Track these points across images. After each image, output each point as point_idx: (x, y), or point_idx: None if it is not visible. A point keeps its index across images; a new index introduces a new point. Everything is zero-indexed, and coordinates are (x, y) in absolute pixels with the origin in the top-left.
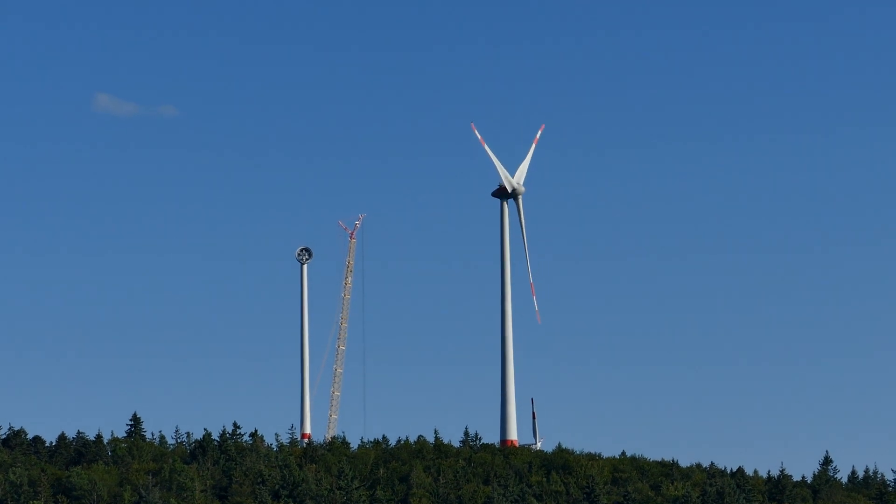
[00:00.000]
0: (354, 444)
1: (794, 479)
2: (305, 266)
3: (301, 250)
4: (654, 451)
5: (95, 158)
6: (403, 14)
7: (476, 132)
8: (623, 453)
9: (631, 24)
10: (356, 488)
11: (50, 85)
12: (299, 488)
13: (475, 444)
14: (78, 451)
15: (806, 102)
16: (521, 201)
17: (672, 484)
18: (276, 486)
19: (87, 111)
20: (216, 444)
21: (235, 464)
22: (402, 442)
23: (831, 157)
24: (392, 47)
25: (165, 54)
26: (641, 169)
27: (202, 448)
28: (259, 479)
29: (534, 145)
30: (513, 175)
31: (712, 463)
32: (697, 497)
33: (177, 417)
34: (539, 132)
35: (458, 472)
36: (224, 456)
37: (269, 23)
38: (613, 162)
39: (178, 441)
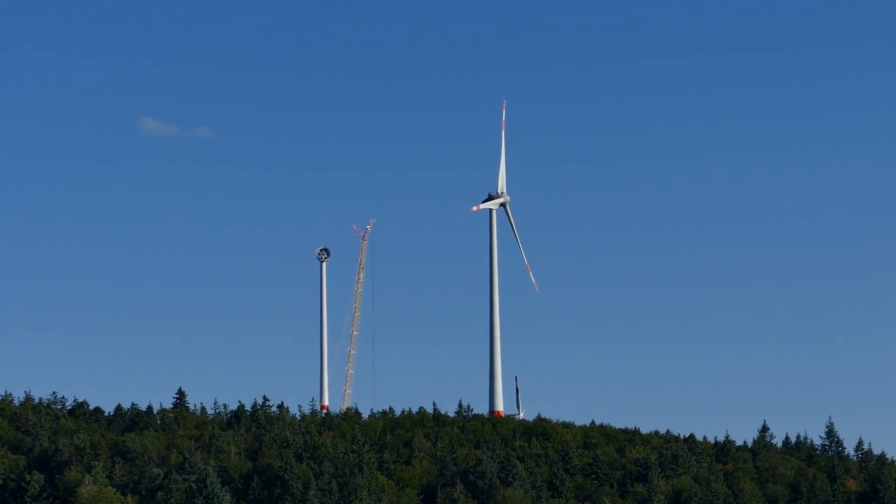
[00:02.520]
0: (365, 414)
1: (737, 444)
2: (324, 264)
3: (321, 250)
4: (619, 420)
5: (142, 173)
6: (421, 43)
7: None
8: (593, 422)
9: (621, 31)
10: (367, 451)
11: (101, 109)
12: (319, 451)
13: (468, 414)
14: (132, 419)
15: (790, 107)
16: (508, 208)
17: (634, 448)
18: (299, 450)
19: (134, 133)
20: (249, 414)
21: (265, 431)
22: (406, 412)
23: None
24: (403, 74)
25: (201, 84)
26: (611, 174)
27: (237, 417)
28: (285, 444)
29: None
30: (496, 187)
31: (668, 430)
32: (655, 459)
33: (216, 391)
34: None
35: (453, 438)
36: (255, 424)
37: (289, 52)
38: (588, 169)
39: (217, 411)
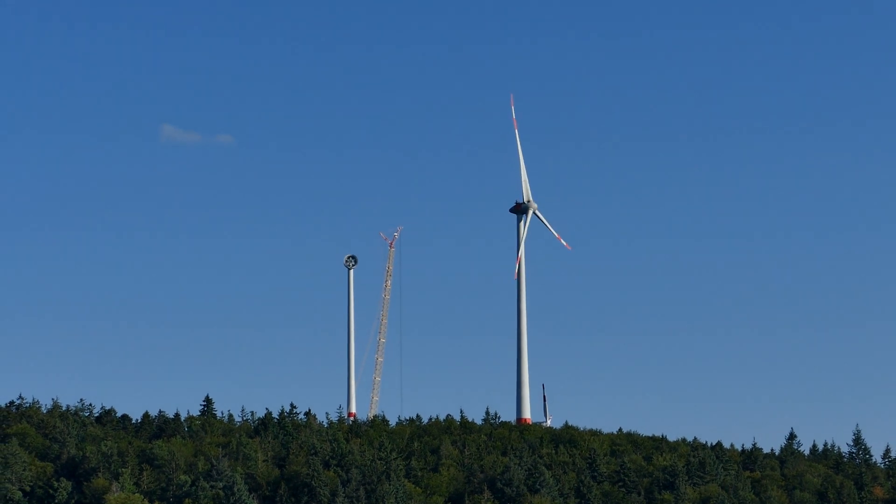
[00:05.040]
0: (393, 422)
1: (765, 452)
2: (352, 271)
3: (348, 258)
4: (646, 428)
5: (164, 181)
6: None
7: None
8: (620, 429)
9: (632, 29)
10: (394, 459)
11: (123, 117)
12: (346, 459)
13: (495, 422)
14: (159, 427)
15: (798, 102)
16: (530, 215)
17: (661, 455)
18: (327, 457)
19: (156, 140)
20: (276, 421)
21: (292, 438)
22: (433, 420)
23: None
24: (419, 84)
25: (222, 91)
26: (635, 175)
27: (264, 424)
28: (312, 451)
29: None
30: (521, 194)
31: (695, 437)
32: (683, 467)
33: (243, 399)
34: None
35: (480, 446)
36: (283, 431)
37: (311, 59)
38: (609, 174)
39: (244, 418)
